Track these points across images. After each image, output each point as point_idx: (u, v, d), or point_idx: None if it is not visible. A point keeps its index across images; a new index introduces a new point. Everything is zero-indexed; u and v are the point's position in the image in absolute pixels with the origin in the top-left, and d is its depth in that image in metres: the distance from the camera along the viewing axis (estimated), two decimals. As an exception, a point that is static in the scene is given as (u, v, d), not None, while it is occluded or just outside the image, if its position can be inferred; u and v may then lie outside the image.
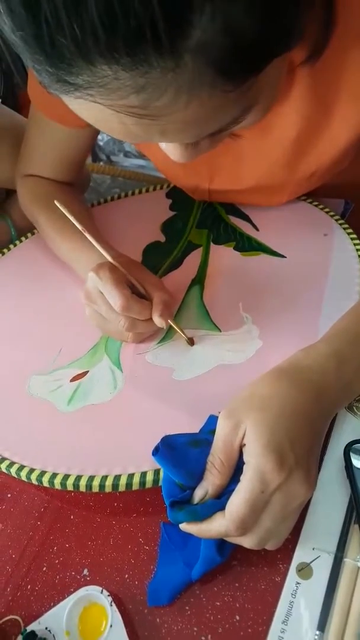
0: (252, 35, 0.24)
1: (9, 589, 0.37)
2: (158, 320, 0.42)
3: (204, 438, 0.34)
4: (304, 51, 0.37)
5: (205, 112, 0.27)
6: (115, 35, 0.22)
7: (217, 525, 0.30)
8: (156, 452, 0.33)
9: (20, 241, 0.63)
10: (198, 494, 0.32)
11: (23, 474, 0.38)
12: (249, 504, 0.29)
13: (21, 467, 0.38)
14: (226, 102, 0.27)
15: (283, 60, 0.29)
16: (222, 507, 0.31)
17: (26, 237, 0.64)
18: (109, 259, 0.44)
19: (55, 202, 0.43)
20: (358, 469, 0.33)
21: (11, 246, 0.63)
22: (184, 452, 0.33)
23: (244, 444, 0.31)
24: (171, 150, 0.34)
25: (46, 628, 0.34)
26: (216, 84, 0.25)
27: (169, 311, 0.43)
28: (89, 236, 0.42)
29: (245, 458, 0.30)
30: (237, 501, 0.29)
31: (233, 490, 0.30)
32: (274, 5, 0.24)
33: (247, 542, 0.31)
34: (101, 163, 1.23)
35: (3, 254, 0.62)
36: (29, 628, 0.34)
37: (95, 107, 0.26)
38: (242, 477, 0.30)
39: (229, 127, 0.31)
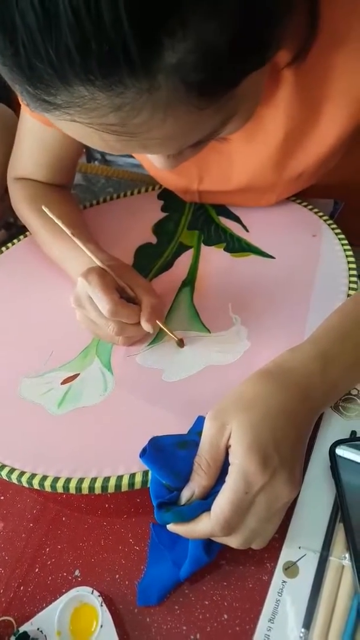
0: (225, 54, 0.25)
1: (1, 591, 0.37)
2: (145, 325, 0.43)
3: (191, 439, 0.34)
4: (289, 53, 0.38)
5: (182, 127, 0.28)
6: (89, 58, 0.22)
7: (202, 526, 0.31)
8: (143, 453, 0.34)
9: (13, 244, 0.64)
10: (185, 495, 0.32)
11: (14, 477, 0.38)
12: (234, 505, 0.29)
13: (12, 470, 0.39)
14: (203, 117, 0.28)
15: (261, 71, 0.29)
16: (208, 508, 0.31)
17: (19, 240, 0.64)
18: (98, 262, 0.44)
19: (43, 207, 0.43)
20: (343, 468, 0.34)
21: (3, 249, 0.63)
22: (171, 454, 0.33)
23: (230, 445, 0.31)
24: (155, 158, 0.34)
25: (38, 629, 0.35)
26: (191, 101, 0.26)
27: (157, 315, 0.44)
28: (77, 240, 0.43)
29: (230, 459, 0.31)
30: (222, 502, 0.30)
31: (219, 491, 0.31)
32: (248, 22, 0.25)
33: (233, 542, 0.31)
34: (96, 162, 1.23)
35: (-4, 256, 0.62)
36: (22, 629, 0.35)
37: (76, 125, 0.27)
38: (227, 478, 0.30)
39: (210, 137, 0.32)
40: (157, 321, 0.44)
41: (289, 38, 0.36)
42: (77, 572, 0.37)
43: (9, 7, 0.22)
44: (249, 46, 0.26)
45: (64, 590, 0.36)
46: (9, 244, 0.64)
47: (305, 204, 0.55)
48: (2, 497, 0.43)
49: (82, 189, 1.05)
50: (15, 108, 0.72)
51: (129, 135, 0.27)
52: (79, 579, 0.37)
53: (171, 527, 0.32)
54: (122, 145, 0.28)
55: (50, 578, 0.37)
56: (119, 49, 0.22)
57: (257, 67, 0.28)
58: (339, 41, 0.38)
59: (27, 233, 0.64)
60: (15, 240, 0.64)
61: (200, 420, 0.36)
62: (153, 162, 0.35)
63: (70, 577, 0.37)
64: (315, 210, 0.54)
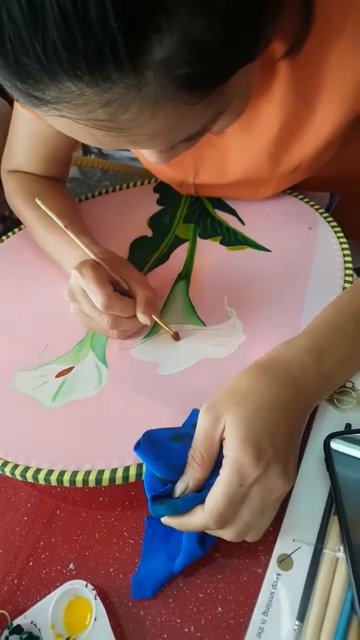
0: (214, 50, 0.24)
1: (-5, 584, 0.37)
2: (142, 317, 0.42)
3: (186, 432, 0.34)
4: (284, 46, 0.37)
5: (172, 122, 0.28)
6: (77, 54, 0.22)
7: (196, 519, 0.30)
8: (138, 446, 0.34)
9: (8, 237, 0.63)
10: (179, 488, 0.32)
11: (7, 470, 0.38)
12: (227, 498, 0.29)
13: (5, 463, 0.38)
14: (193, 113, 0.28)
15: (252, 65, 0.29)
16: (202, 501, 0.31)
17: (13, 233, 0.64)
18: (92, 255, 0.43)
19: (36, 199, 0.43)
20: (338, 461, 0.34)
21: (-2, 242, 0.63)
22: (165, 446, 0.33)
23: (224, 438, 0.31)
24: (147, 153, 0.34)
25: (32, 622, 0.34)
26: (180, 97, 0.26)
27: (152, 308, 0.43)
28: (70, 232, 0.42)
29: (225, 452, 0.31)
30: (216, 495, 0.30)
31: (213, 484, 0.31)
32: (237, 18, 0.24)
33: (227, 534, 0.31)
34: (92, 155, 1.22)
35: (-10, 250, 0.62)
36: (15, 622, 0.35)
37: (66, 120, 0.27)
38: (220, 471, 0.30)
39: (201, 133, 0.32)
40: (152, 314, 0.43)
41: (284, 30, 0.36)
42: (71, 566, 0.37)
43: None
44: (237, 41, 0.26)
45: (58, 584, 0.36)
46: (4, 237, 0.63)
47: (301, 197, 0.55)
48: (-4, 491, 0.42)
49: (78, 182, 1.04)
50: (11, 99, 0.71)
51: (118, 131, 0.27)
52: (74, 573, 0.37)
53: (165, 519, 0.32)
54: (112, 140, 0.28)
55: (44, 571, 0.37)
56: (105, 45, 0.22)
57: (247, 62, 0.28)
58: (334, 33, 0.38)
59: (22, 226, 0.63)
60: (10, 234, 0.63)
61: (194, 413, 0.36)
62: (146, 157, 0.35)
63: (64, 571, 0.37)
64: (312, 203, 0.53)
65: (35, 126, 0.54)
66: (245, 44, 0.26)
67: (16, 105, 0.55)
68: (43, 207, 0.42)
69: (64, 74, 0.23)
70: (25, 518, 0.40)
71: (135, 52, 0.23)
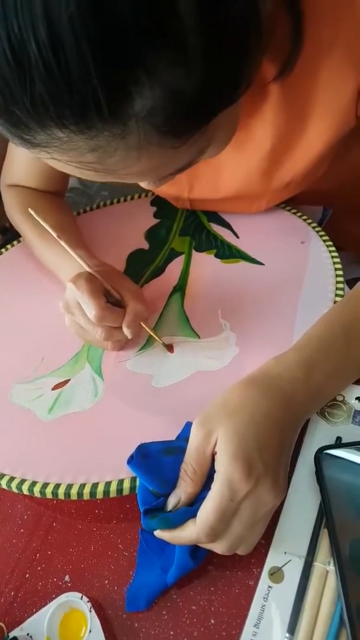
0: (193, 98, 0.25)
1: (-8, 596, 0.38)
2: (126, 330, 0.43)
3: (178, 445, 0.34)
4: (275, 67, 0.38)
5: (157, 163, 0.29)
6: (62, 106, 0.24)
7: (188, 532, 0.31)
8: (131, 460, 0.34)
9: (6, 249, 0.64)
10: (171, 502, 0.33)
11: (4, 483, 0.38)
12: (218, 512, 0.30)
13: (1, 476, 0.39)
14: (177, 153, 0.29)
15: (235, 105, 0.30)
16: (194, 514, 0.31)
17: (12, 245, 0.65)
18: (86, 267, 0.44)
19: (29, 210, 0.43)
20: (328, 474, 0.34)
21: (-3, 254, 0.63)
22: (157, 460, 0.34)
23: (216, 452, 0.32)
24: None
25: (28, 634, 0.35)
26: (163, 142, 0.27)
27: (140, 321, 0.44)
28: (64, 243, 0.43)
29: (216, 466, 0.31)
30: (207, 509, 0.30)
31: (205, 497, 0.31)
32: (214, 66, 0.25)
33: (218, 548, 0.31)
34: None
35: (-12, 262, 0.63)
36: (12, 634, 0.35)
37: (55, 160, 0.28)
38: (212, 485, 0.31)
39: (188, 166, 0.33)
40: (144, 326, 0.44)
41: (274, 52, 0.37)
42: (67, 578, 0.37)
43: None
44: (217, 88, 0.27)
45: (54, 596, 0.36)
46: (2, 250, 0.64)
47: (294, 211, 0.56)
48: (-7, 503, 0.43)
49: (77, 192, 1.05)
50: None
51: (106, 172, 0.29)
52: (69, 585, 0.37)
53: (158, 533, 0.33)
54: (101, 178, 0.30)
55: (40, 583, 0.38)
56: (89, 99, 0.23)
57: (228, 105, 0.29)
58: (323, 53, 0.39)
59: (22, 238, 0.64)
60: (9, 246, 0.64)
61: (188, 426, 0.37)
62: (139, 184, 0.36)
63: (60, 583, 0.37)
64: (304, 217, 0.54)
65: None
66: (225, 89, 0.28)
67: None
68: (36, 217, 0.43)
69: (51, 122, 0.24)
70: (22, 530, 0.41)
71: (117, 104, 0.24)
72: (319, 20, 0.37)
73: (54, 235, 0.42)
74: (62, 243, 0.43)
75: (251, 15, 0.26)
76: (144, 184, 0.36)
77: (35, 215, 0.43)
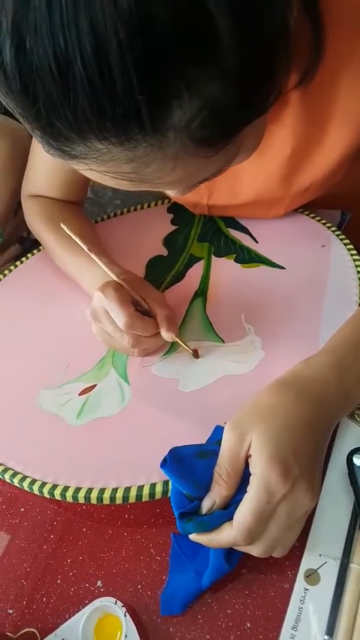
0: (230, 110, 0.27)
1: (24, 602, 0.38)
2: (166, 335, 0.44)
3: (211, 449, 0.35)
4: (296, 76, 0.39)
5: (190, 172, 0.30)
6: (104, 120, 0.24)
7: (225, 535, 0.31)
8: (164, 463, 0.34)
9: (27, 258, 0.65)
10: (206, 505, 0.33)
11: (35, 488, 0.39)
12: (256, 514, 0.30)
13: (33, 481, 0.39)
14: (209, 162, 0.30)
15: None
16: (229, 518, 0.32)
17: (32, 254, 0.65)
18: (114, 277, 0.45)
19: (62, 224, 0.44)
20: (361, 476, 0.34)
21: (18, 263, 0.64)
22: (191, 464, 0.34)
23: (250, 455, 0.32)
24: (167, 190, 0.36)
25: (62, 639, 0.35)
26: (198, 152, 0.28)
27: (174, 326, 0.45)
28: (95, 256, 0.44)
29: (251, 469, 0.31)
30: (244, 511, 0.30)
31: (240, 500, 0.31)
32: (249, 78, 0.26)
33: (255, 550, 0.31)
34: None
35: (10, 270, 0.64)
36: (46, 640, 0.35)
37: (92, 171, 0.29)
38: (248, 488, 0.31)
39: (216, 174, 0.34)
40: (176, 332, 0.45)
41: (295, 61, 0.37)
42: (99, 583, 0.37)
43: (30, 71, 0.24)
44: (251, 99, 0.28)
45: (86, 601, 0.36)
46: (23, 258, 0.65)
47: (313, 215, 0.56)
48: (22, 509, 0.43)
49: (90, 201, 1.06)
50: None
51: (141, 181, 0.30)
52: (102, 590, 0.37)
53: (193, 536, 0.33)
54: (135, 186, 0.31)
55: (72, 589, 0.38)
56: (131, 112, 0.24)
57: (260, 114, 0.30)
58: (343, 60, 0.39)
59: (41, 247, 0.65)
60: (29, 255, 0.65)
61: (218, 430, 0.37)
62: (166, 192, 0.37)
63: (92, 588, 0.37)
64: (323, 221, 0.55)
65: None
66: (259, 100, 0.29)
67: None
68: (68, 232, 0.44)
69: (92, 134, 0.25)
70: (52, 536, 0.41)
71: (157, 117, 0.25)
72: (338, 29, 0.37)
73: (85, 248, 0.43)
74: (92, 255, 0.44)
75: (282, 29, 0.27)
76: (171, 192, 0.37)
77: (68, 231, 0.44)
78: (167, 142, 0.26)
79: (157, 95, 0.24)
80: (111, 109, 0.24)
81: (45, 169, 0.58)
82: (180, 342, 0.45)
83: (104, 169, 0.28)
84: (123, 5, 0.22)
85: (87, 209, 1.01)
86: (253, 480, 0.31)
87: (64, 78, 0.23)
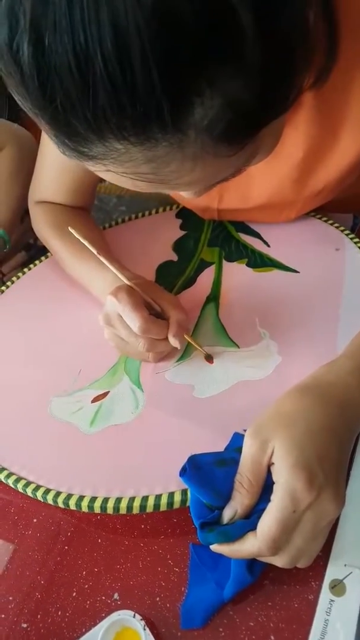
0: (252, 107, 0.26)
1: (39, 616, 0.37)
2: (172, 340, 0.43)
3: (230, 457, 0.34)
4: (310, 78, 0.39)
5: (210, 172, 0.30)
6: (124, 118, 0.24)
7: (249, 546, 0.30)
8: (183, 472, 0.34)
9: (35, 264, 0.65)
10: (227, 514, 0.32)
11: (49, 497, 0.38)
12: (281, 524, 0.29)
13: (47, 491, 0.38)
14: (228, 161, 0.29)
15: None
16: (252, 527, 0.31)
17: (40, 261, 0.65)
18: (126, 281, 0.44)
19: (70, 229, 0.44)
20: (386, 483, 0.33)
21: (26, 270, 0.64)
22: (210, 472, 0.33)
23: (272, 463, 0.31)
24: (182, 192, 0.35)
25: (79, 654, 0.34)
26: (219, 151, 0.27)
27: (184, 330, 0.44)
28: (105, 260, 0.43)
29: (275, 477, 0.31)
30: (269, 521, 0.29)
31: (262, 509, 0.31)
32: (271, 77, 0.26)
33: (279, 561, 0.31)
34: (107, 181, 1.25)
35: (19, 277, 0.63)
36: (62, 655, 0.34)
37: (110, 172, 0.28)
38: (272, 497, 0.30)
39: (234, 175, 0.34)
40: (185, 335, 0.44)
41: (311, 63, 0.37)
42: (116, 596, 0.36)
43: (49, 69, 0.23)
44: (273, 97, 0.27)
45: (103, 615, 0.35)
46: (31, 265, 0.64)
47: (325, 219, 0.56)
48: (35, 520, 0.42)
49: (94, 208, 1.06)
50: (31, 129, 0.74)
51: (159, 182, 0.29)
52: (118, 603, 0.36)
53: (215, 547, 0.32)
54: (153, 188, 0.30)
55: (88, 602, 0.37)
56: (152, 111, 0.23)
57: (281, 113, 0.29)
58: (357, 63, 0.39)
59: (48, 254, 0.65)
60: (37, 262, 0.65)
61: (236, 437, 0.36)
62: (181, 194, 0.36)
63: (109, 601, 0.36)
64: (336, 225, 0.54)
65: (62, 158, 0.55)
66: (280, 98, 0.28)
67: (44, 137, 0.57)
68: (77, 236, 0.43)
69: (111, 134, 0.25)
70: (66, 547, 0.40)
71: (179, 115, 0.24)
72: (352, 32, 0.37)
73: (94, 252, 0.43)
74: (102, 259, 0.43)
75: (303, 24, 0.27)
76: (187, 194, 0.36)
77: (76, 235, 0.43)
78: (187, 141, 0.26)
79: (179, 92, 0.23)
80: (131, 107, 0.23)
81: (52, 175, 0.58)
82: (193, 342, 0.44)
83: (122, 169, 0.28)
84: (146, 0, 0.21)
85: (92, 215, 1.01)
86: (277, 488, 0.30)
87: (83, 76, 0.22)
